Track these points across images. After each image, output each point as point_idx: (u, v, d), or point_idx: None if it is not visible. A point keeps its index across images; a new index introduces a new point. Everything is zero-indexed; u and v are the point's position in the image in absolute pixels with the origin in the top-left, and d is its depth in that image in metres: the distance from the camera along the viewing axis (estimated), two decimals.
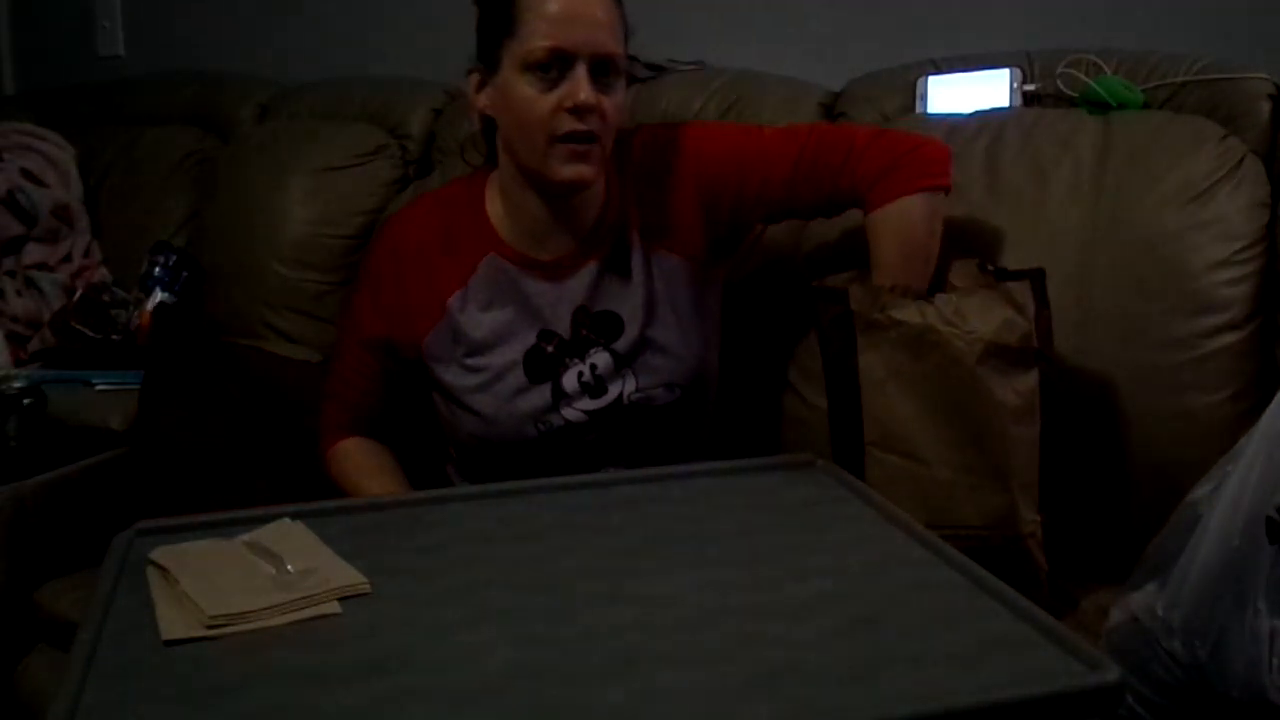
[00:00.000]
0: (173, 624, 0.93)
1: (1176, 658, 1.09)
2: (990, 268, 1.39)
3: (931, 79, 1.76)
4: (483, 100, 1.43)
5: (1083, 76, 1.65)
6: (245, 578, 1.00)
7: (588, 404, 1.45)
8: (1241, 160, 1.50)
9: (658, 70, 2.01)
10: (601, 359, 1.45)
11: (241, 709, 0.82)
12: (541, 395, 1.45)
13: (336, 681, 0.85)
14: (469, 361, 1.46)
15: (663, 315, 1.46)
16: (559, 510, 1.17)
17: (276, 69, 2.59)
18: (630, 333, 1.45)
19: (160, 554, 1.04)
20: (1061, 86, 1.67)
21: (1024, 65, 1.71)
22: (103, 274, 2.39)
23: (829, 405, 1.38)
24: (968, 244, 1.52)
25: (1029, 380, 1.29)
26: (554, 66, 1.33)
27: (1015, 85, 1.70)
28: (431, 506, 1.21)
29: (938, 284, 1.39)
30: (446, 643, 0.90)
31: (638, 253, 1.46)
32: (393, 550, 1.08)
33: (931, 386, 1.29)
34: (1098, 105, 1.62)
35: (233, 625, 0.92)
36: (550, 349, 1.45)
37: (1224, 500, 1.08)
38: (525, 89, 1.35)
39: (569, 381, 1.45)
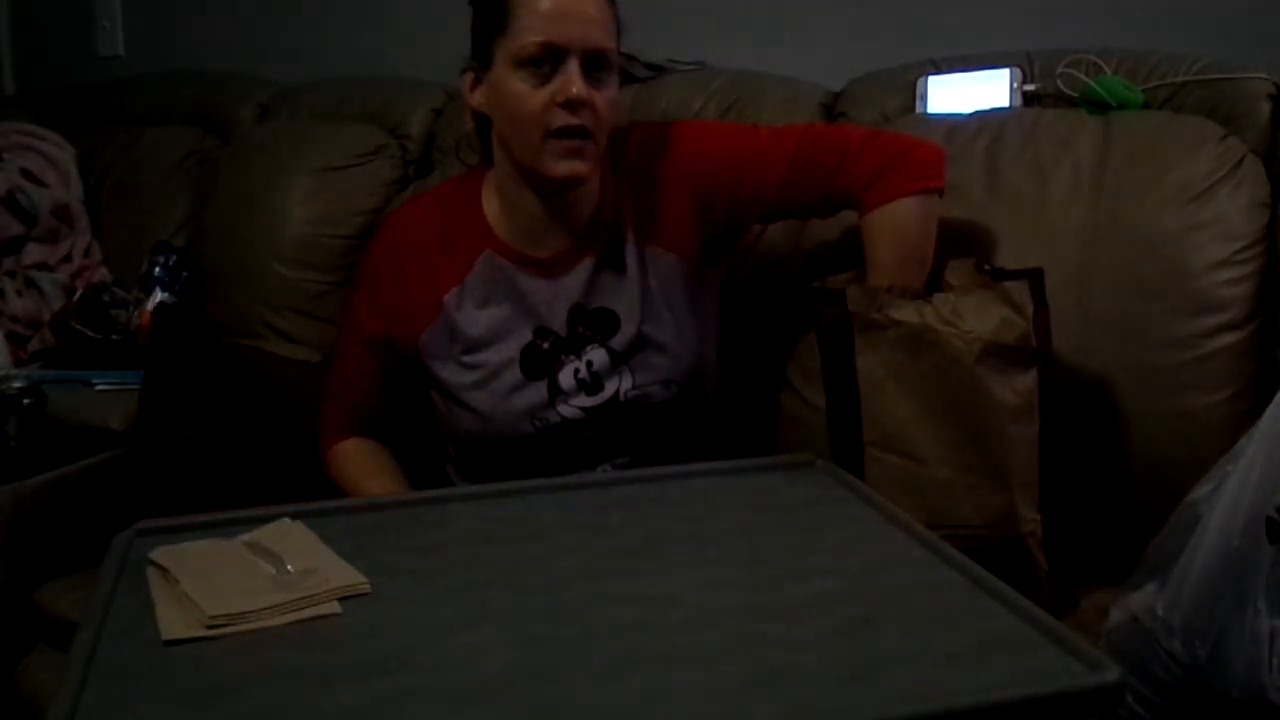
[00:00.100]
0: (173, 624, 0.93)
1: (1176, 658, 1.09)
2: (987, 268, 1.39)
3: (931, 79, 1.76)
4: (477, 98, 1.43)
5: (1083, 76, 1.65)
6: (245, 578, 1.00)
7: (584, 401, 1.46)
8: (1241, 160, 1.50)
9: (658, 70, 2.01)
10: (598, 356, 1.45)
11: (241, 709, 0.82)
12: (538, 392, 1.45)
13: (336, 681, 0.85)
14: (466, 359, 1.47)
15: (659, 312, 1.46)
16: (559, 510, 1.17)
17: (276, 69, 2.59)
18: (627, 330, 1.45)
19: (160, 554, 1.04)
20: (1061, 86, 1.67)
21: (1024, 65, 1.71)
22: (103, 274, 2.39)
23: (828, 405, 1.38)
24: (968, 244, 1.52)
25: (1027, 380, 1.29)
26: (546, 62, 1.34)
27: (1015, 85, 1.70)
28: (431, 506, 1.21)
29: (934, 284, 1.39)
30: (446, 643, 0.90)
31: (633, 250, 1.46)
32: (393, 550, 1.08)
33: (930, 386, 1.29)
34: (1098, 105, 1.62)
35: (233, 625, 0.92)
36: (546, 346, 1.45)
37: (1224, 500, 1.08)
38: (518, 84, 1.35)
39: (565, 378, 1.45)
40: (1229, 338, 1.45)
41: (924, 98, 1.75)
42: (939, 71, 1.77)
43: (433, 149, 2.22)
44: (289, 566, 1.01)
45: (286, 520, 1.12)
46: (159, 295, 2.14)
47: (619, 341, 1.45)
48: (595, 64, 1.36)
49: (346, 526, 1.12)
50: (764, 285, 1.70)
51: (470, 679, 0.85)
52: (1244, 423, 1.25)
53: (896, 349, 1.30)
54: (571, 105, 1.34)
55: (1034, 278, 1.31)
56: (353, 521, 1.15)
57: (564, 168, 1.37)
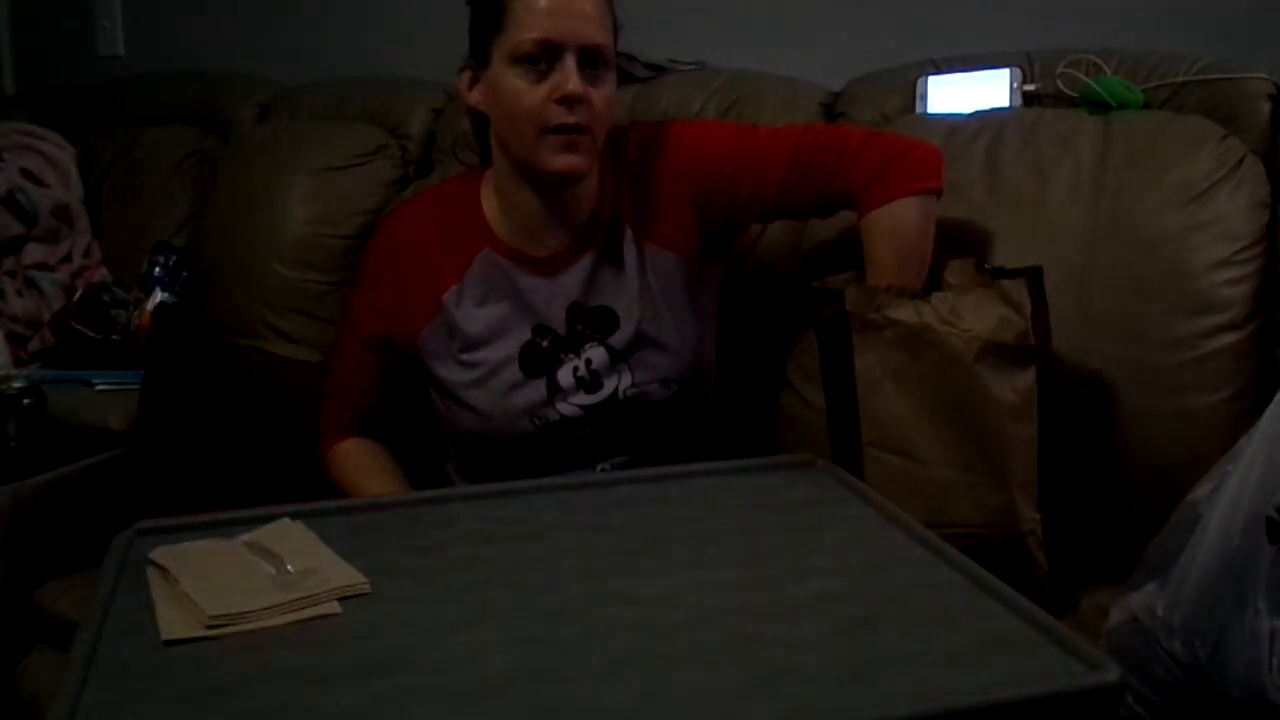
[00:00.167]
0: (173, 624, 0.93)
1: (1176, 658, 1.09)
2: (987, 267, 1.39)
3: (931, 79, 1.76)
4: (475, 96, 1.43)
5: (1083, 76, 1.65)
6: (245, 578, 1.00)
7: (583, 399, 1.46)
8: (1241, 160, 1.50)
9: (658, 70, 2.01)
10: (597, 354, 1.45)
11: (241, 709, 0.82)
12: (537, 390, 1.45)
13: (336, 681, 0.85)
14: (464, 357, 1.47)
15: (658, 311, 1.46)
16: (559, 510, 1.17)
17: (276, 69, 2.59)
18: (626, 328, 1.45)
19: (160, 554, 1.04)
20: (1061, 86, 1.67)
21: (1024, 65, 1.71)
22: (103, 274, 2.39)
23: (827, 405, 1.38)
24: (968, 244, 1.52)
25: (1026, 378, 1.29)
26: (543, 58, 1.34)
27: (1015, 85, 1.70)
28: (431, 506, 1.21)
29: (934, 284, 1.39)
30: (446, 643, 0.90)
31: (632, 248, 1.46)
32: (393, 550, 1.08)
33: (928, 386, 1.29)
34: (1098, 105, 1.62)
35: (233, 625, 0.92)
36: (545, 344, 1.46)
37: (1224, 500, 1.08)
38: (515, 81, 1.36)
39: (564, 376, 1.45)
40: (1229, 338, 1.45)
41: (924, 98, 1.75)
42: (939, 71, 1.77)
43: (433, 149, 2.22)
44: (289, 566, 1.01)
45: (286, 520, 1.12)
46: (159, 295, 2.14)
47: (618, 340, 1.45)
48: (592, 60, 1.36)
49: (346, 526, 1.12)
50: (763, 285, 1.70)
51: (470, 679, 0.85)
52: (1244, 423, 1.25)
53: (895, 348, 1.30)
54: (568, 101, 1.34)
55: (1032, 276, 1.31)
56: (353, 521, 1.15)
57: (561, 162, 1.37)
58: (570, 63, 1.34)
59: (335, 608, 0.96)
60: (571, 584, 0.99)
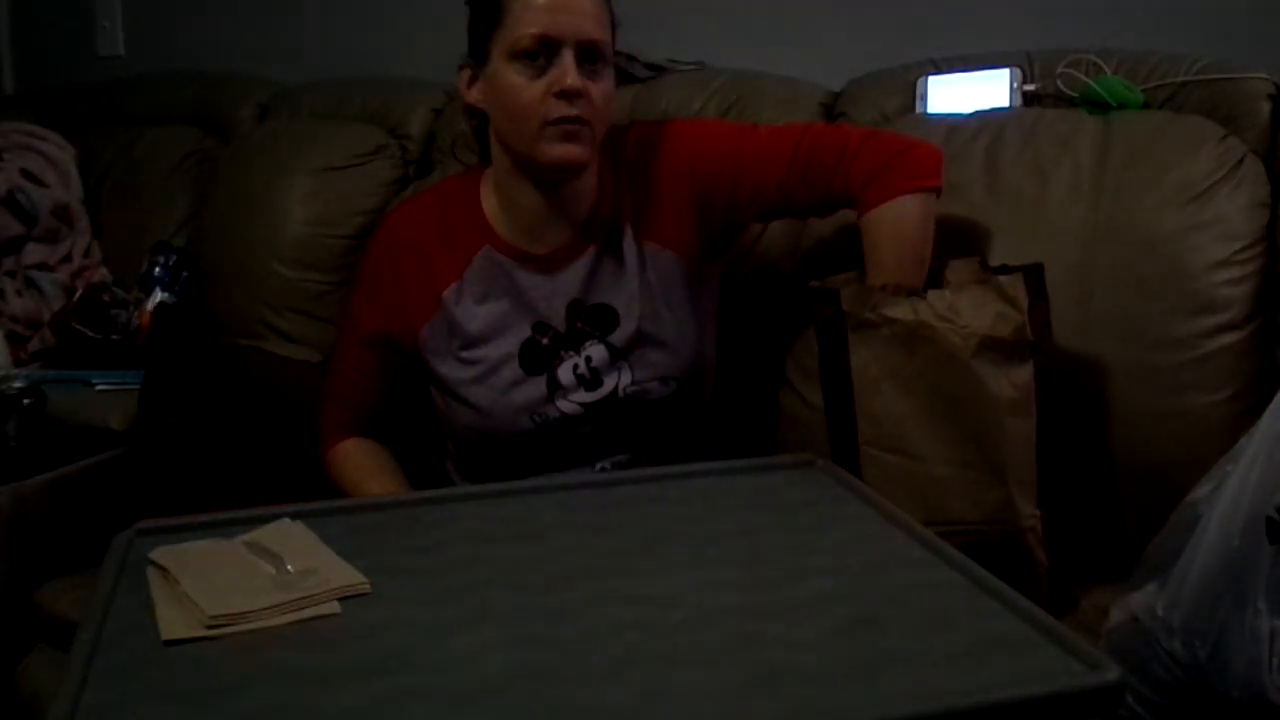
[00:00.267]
0: (173, 624, 0.93)
1: (1176, 658, 1.09)
2: (989, 266, 1.39)
3: (931, 79, 1.76)
4: (474, 94, 1.44)
5: (1083, 76, 1.65)
6: (245, 578, 1.00)
7: (583, 396, 1.46)
8: (1241, 160, 1.50)
9: (658, 70, 2.01)
10: (597, 352, 1.46)
11: (241, 709, 0.82)
12: (537, 387, 1.45)
13: (336, 681, 0.85)
14: (464, 354, 1.47)
15: (658, 309, 1.46)
16: (559, 510, 1.18)
17: (276, 69, 2.59)
18: (626, 326, 1.45)
19: (160, 554, 1.04)
20: (1061, 86, 1.67)
21: (1024, 65, 1.71)
22: (103, 274, 2.39)
23: (825, 405, 1.38)
24: (968, 244, 1.52)
25: (1024, 373, 1.29)
26: (541, 54, 1.35)
27: (1015, 85, 1.70)
28: (431, 506, 1.21)
29: (934, 283, 1.39)
30: (446, 643, 0.90)
31: (631, 246, 1.46)
32: (393, 550, 1.08)
33: (926, 383, 1.29)
34: (1098, 105, 1.62)
35: (233, 625, 0.92)
36: (545, 341, 1.46)
37: (1224, 500, 1.08)
38: (514, 77, 1.36)
39: (564, 374, 1.46)
40: (1229, 338, 1.45)
41: (924, 98, 1.75)
42: (939, 71, 1.77)
43: (433, 149, 2.22)
44: (289, 566, 1.01)
45: (286, 520, 1.12)
46: (159, 295, 2.14)
47: (618, 337, 1.46)
48: (590, 56, 1.37)
49: (346, 526, 1.12)
50: (763, 284, 1.70)
51: (470, 679, 0.85)
52: (1244, 423, 1.25)
53: (891, 347, 1.30)
54: (567, 95, 1.35)
55: (1030, 273, 1.31)
56: (353, 521, 1.15)
57: (561, 151, 1.37)
58: (568, 58, 1.35)
59: (335, 608, 0.96)
60: (571, 584, 0.99)
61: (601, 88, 1.38)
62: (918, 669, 0.84)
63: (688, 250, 1.48)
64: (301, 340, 2.11)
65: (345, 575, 1.00)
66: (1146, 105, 1.62)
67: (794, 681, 0.83)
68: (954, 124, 1.66)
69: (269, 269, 2.15)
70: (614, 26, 1.41)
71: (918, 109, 1.75)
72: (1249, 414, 1.33)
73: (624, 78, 1.77)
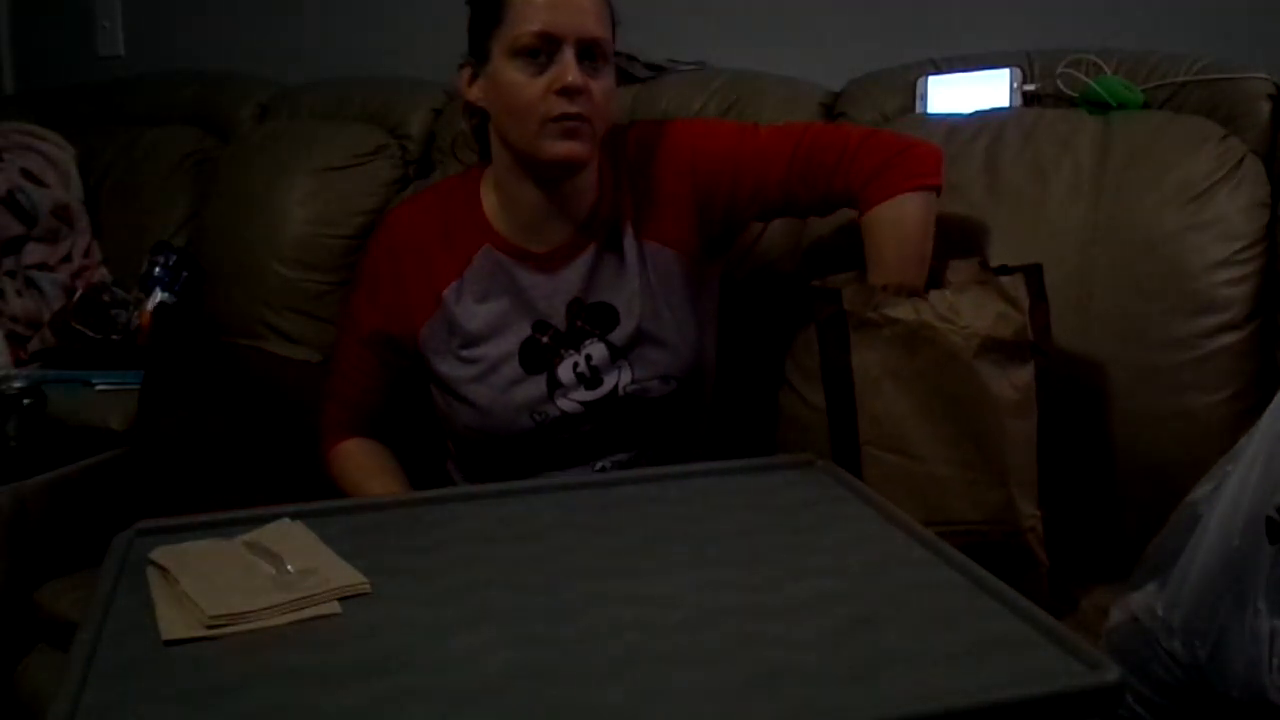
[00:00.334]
0: (173, 624, 0.93)
1: (1176, 658, 1.09)
2: (990, 266, 1.39)
3: (931, 79, 1.76)
4: (475, 92, 1.44)
5: (1083, 76, 1.65)
6: (245, 578, 1.00)
7: (583, 395, 1.46)
8: (1241, 160, 1.50)
9: (658, 70, 2.01)
10: (597, 350, 1.46)
11: (241, 709, 0.82)
12: (537, 386, 1.45)
13: (336, 681, 0.85)
14: (464, 353, 1.47)
15: (658, 308, 1.46)
16: (559, 510, 1.17)
17: (276, 69, 2.59)
18: (626, 324, 1.45)
19: (160, 554, 1.04)
20: (1061, 86, 1.67)
21: (1024, 65, 1.71)
22: (103, 274, 2.39)
23: (826, 404, 1.38)
24: (968, 244, 1.52)
25: (1025, 374, 1.29)
26: (542, 51, 1.35)
27: (1015, 85, 1.70)
28: (431, 506, 1.21)
29: (935, 283, 1.39)
30: (446, 643, 0.90)
31: (632, 245, 1.46)
32: (393, 550, 1.08)
33: (927, 383, 1.29)
34: (1098, 105, 1.62)
35: (233, 625, 0.92)
36: (545, 340, 1.46)
37: (1224, 500, 1.08)
38: (515, 74, 1.36)
39: (564, 372, 1.46)
40: (1229, 338, 1.45)
41: (924, 98, 1.75)
42: (939, 71, 1.77)
43: (433, 149, 2.22)
44: (289, 566, 1.01)
45: (286, 520, 1.12)
46: (159, 295, 2.14)
47: (618, 336, 1.46)
48: (590, 53, 1.37)
49: (346, 526, 1.12)
50: (764, 284, 1.70)
51: (470, 679, 0.85)
52: (1244, 423, 1.25)
53: (893, 346, 1.30)
54: (568, 92, 1.35)
55: (1031, 273, 1.31)
56: (353, 521, 1.15)
57: (562, 148, 1.37)
58: (569, 54, 1.35)
59: (335, 608, 0.96)
60: (571, 584, 0.99)
61: (602, 85, 1.39)
62: (918, 669, 0.84)
63: (688, 249, 1.48)
64: (301, 340, 2.11)
65: (345, 575, 1.00)
66: (1146, 105, 1.62)
67: (794, 681, 0.83)
68: (954, 124, 1.66)
69: (269, 269, 2.15)
70: (614, 25, 1.41)
71: (918, 109, 1.75)
72: (1249, 414, 1.33)
73: (624, 78, 1.78)
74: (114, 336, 2.14)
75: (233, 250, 2.21)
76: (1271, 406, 1.10)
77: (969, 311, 1.28)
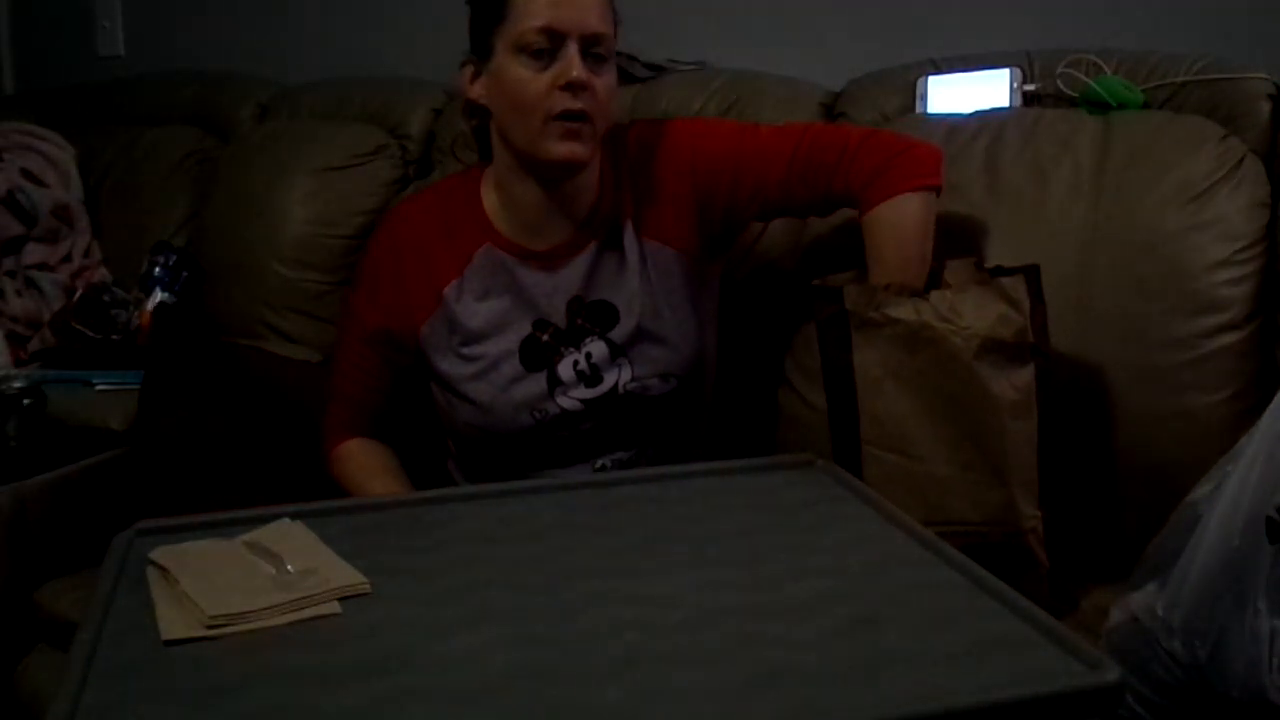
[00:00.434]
0: (173, 624, 0.93)
1: (1176, 658, 1.09)
2: (985, 266, 1.39)
3: (931, 79, 1.76)
4: (477, 90, 1.44)
5: (1083, 76, 1.65)
6: (245, 578, 1.00)
7: (583, 392, 1.46)
8: (1241, 160, 1.50)
9: (658, 70, 2.01)
10: (597, 348, 1.46)
11: (241, 709, 0.82)
12: (537, 383, 1.46)
13: (336, 681, 0.85)
14: (465, 351, 1.47)
15: (658, 306, 1.46)
16: (559, 510, 1.18)
17: (276, 69, 2.59)
18: (626, 322, 1.46)
19: (160, 554, 1.04)
20: (1061, 86, 1.67)
21: (1024, 65, 1.71)
22: (103, 274, 2.39)
23: (827, 404, 1.39)
24: (968, 243, 1.52)
25: (1025, 375, 1.29)
26: (546, 47, 1.36)
27: (1015, 85, 1.70)
28: (431, 506, 1.21)
29: (934, 283, 1.39)
30: (446, 643, 0.90)
31: (632, 243, 1.46)
32: (393, 550, 1.08)
33: (928, 383, 1.29)
34: (1098, 105, 1.62)
35: (233, 625, 0.92)
36: (545, 338, 1.46)
37: (1224, 500, 1.08)
38: (519, 71, 1.37)
39: (564, 370, 1.46)
40: (1229, 338, 1.45)
41: (924, 98, 1.75)
42: (939, 71, 1.77)
43: (432, 149, 2.22)
44: (289, 566, 1.01)
45: (286, 520, 1.12)
46: (159, 295, 2.14)
47: (618, 334, 1.46)
48: (594, 49, 1.38)
49: (346, 526, 1.12)
50: (764, 283, 1.70)
51: (470, 679, 0.85)
52: (1244, 423, 1.25)
53: (894, 346, 1.30)
54: (573, 88, 1.35)
55: (1030, 274, 1.31)
56: (353, 521, 1.15)
57: (564, 149, 1.38)
58: (573, 50, 1.35)
59: (335, 608, 0.96)
60: (571, 584, 0.99)
61: (605, 82, 1.39)
62: (918, 669, 0.84)
63: (688, 248, 1.48)
64: (301, 340, 2.11)
65: (345, 575, 1.00)
66: (1146, 105, 1.62)
67: (794, 681, 0.83)
68: (954, 124, 1.66)
69: (269, 269, 2.16)
70: (616, 23, 1.42)
71: (918, 109, 1.75)
72: (1249, 414, 1.33)
73: (624, 78, 1.77)
74: (114, 336, 2.14)
75: (233, 250, 2.21)
76: (1271, 406, 1.09)
77: (970, 312, 1.28)
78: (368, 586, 0.99)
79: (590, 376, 1.46)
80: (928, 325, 1.28)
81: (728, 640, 0.89)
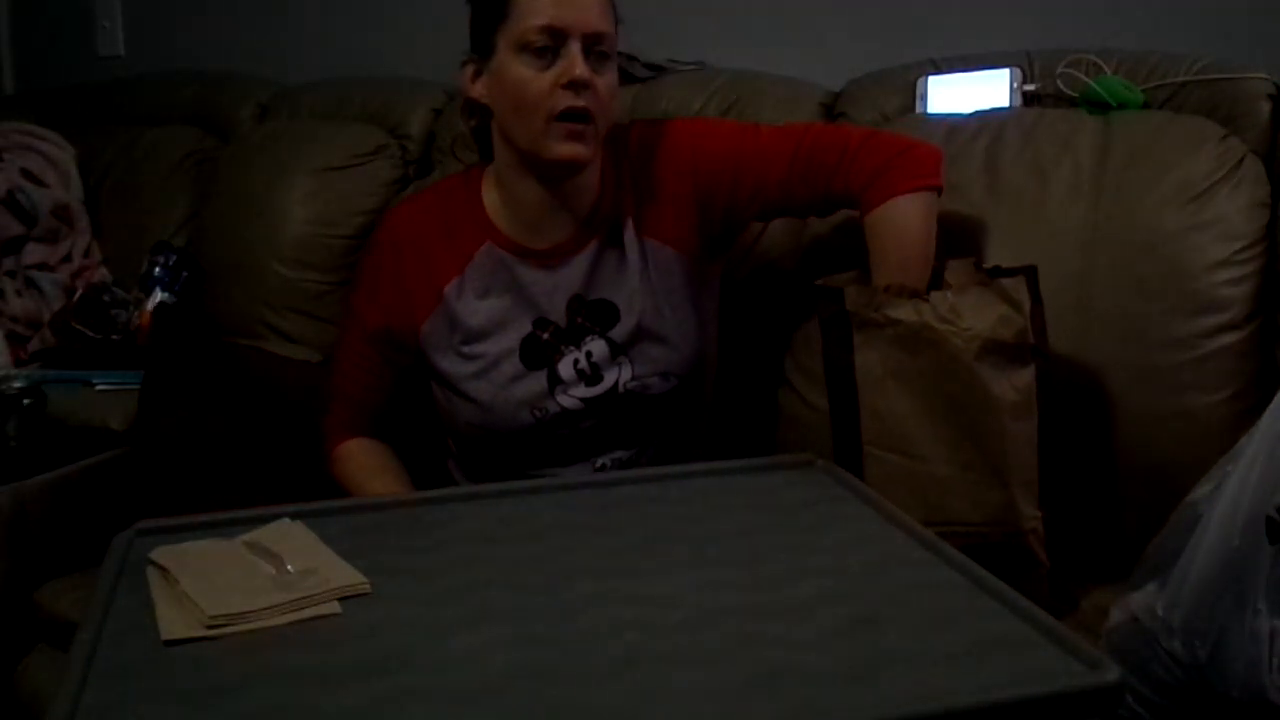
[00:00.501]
0: (173, 624, 0.93)
1: (1176, 658, 1.09)
2: (985, 267, 1.39)
3: (931, 79, 1.76)
4: (478, 89, 1.44)
5: (1083, 76, 1.65)
6: (245, 578, 1.00)
7: (583, 391, 1.46)
8: (1241, 160, 1.50)
9: (658, 70, 2.01)
10: (597, 347, 1.46)
11: (241, 709, 0.82)
12: (538, 382, 1.46)
13: (336, 681, 0.85)
14: (465, 349, 1.47)
15: (659, 305, 1.46)
16: (559, 510, 1.18)
17: (276, 69, 2.59)
18: (626, 321, 1.46)
19: (160, 554, 1.04)
20: (1061, 86, 1.67)
21: (1024, 65, 1.71)
22: (103, 274, 2.39)
23: (829, 404, 1.39)
24: (968, 244, 1.52)
25: (1026, 376, 1.29)
26: (549, 46, 1.36)
27: (1015, 85, 1.70)
28: (431, 506, 1.21)
29: (934, 284, 1.39)
30: (446, 643, 0.90)
31: (633, 242, 1.46)
32: (393, 550, 1.08)
33: (928, 384, 1.29)
34: (1098, 105, 1.62)
35: (233, 625, 0.92)
36: (546, 336, 1.46)
37: (1224, 500, 1.08)
38: (521, 69, 1.37)
39: (565, 369, 1.46)
40: (1229, 338, 1.45)
41: (924, 98, 1.75)
42: (939, 71, 1.77)
43: (432, 149, 2.22)
44: (289, 566, 1.01)
45: (286, 520, 1.12)
46: (159, 295, 2.14)
47: (618, 333, 1.46)
48: (596, 48, 1.38)
49: (346, 526, 1.12)
50: (764, 283, 1.70)
51: (470, 679, 0.85)
52: (1244, 423, 1.25)
53: (895, 347, 1.30)
54: (576, 86, 1.35)
55: (1030, 274, 1.32)
56: (353, 521, 1.15)
57: (566, 149, 1.38)
58: (576, 49, 1.36)
59: (335, 608, 0.96)
60: (571, 584, 0.99)
61: (607, 81, 1.39)
62: (918, 669, 0.84)
63: (689, 248, 1.48)
64: (301, 340, 2.11)
65: (345, 575, 1.00)
66: (1146, 105, 1.62)
67: (794, 681, 0.83)
68: (954, 124, 1.66)
69: (269, 269, 2.16)
70: (616, 22, 1.42)
71: (918, 109, 1.75)
72: (1249, 414, 1.33)
73: (624, 78, 1.77)
74: (114, 336, 2.14)
75: (233, 250, 2.21)
76: (1271, 406, 1.09)
77: (970, 313, 1.28)
78: (368, 586, 0.99)
79: (590, 375, 1.46)
80: (928, 326, 1.28)
81: (728, 640, 0.89)
